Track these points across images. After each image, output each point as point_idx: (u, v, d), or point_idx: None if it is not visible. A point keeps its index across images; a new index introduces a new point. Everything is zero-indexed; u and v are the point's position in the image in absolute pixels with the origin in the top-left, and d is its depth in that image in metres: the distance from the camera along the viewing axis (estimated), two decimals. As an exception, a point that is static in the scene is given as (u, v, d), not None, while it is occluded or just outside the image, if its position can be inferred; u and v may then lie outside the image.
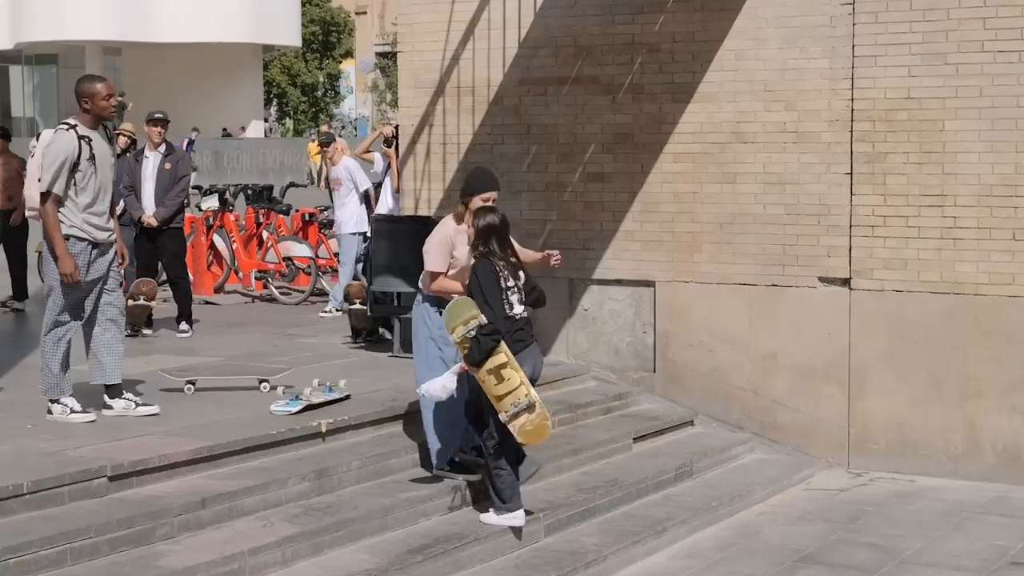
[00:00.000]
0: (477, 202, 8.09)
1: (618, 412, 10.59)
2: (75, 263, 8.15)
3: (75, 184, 8.20)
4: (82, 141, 8.22)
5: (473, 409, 7.99)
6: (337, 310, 13.71)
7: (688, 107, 10.87)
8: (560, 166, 11.43)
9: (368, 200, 14.14)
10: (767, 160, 10.60)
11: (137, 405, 8.54)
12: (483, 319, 7.71)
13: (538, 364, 8.06)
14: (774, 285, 10.61)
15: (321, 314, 13.94)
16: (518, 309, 7.90)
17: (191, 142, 40.28)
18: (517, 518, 7.91)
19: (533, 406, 7.76)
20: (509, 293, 7.88)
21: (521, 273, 7.99)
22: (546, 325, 11.51)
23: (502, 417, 7.75)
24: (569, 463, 9.27)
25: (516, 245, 8.21)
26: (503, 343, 7.73)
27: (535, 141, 11.52)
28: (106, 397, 8.44)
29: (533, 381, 7.90)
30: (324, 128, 40.99)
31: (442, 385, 7.91)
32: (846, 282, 10.35)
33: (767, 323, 10.66)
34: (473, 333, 7.70)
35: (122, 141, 14.57)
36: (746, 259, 10.68)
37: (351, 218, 14.14)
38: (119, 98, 8.36)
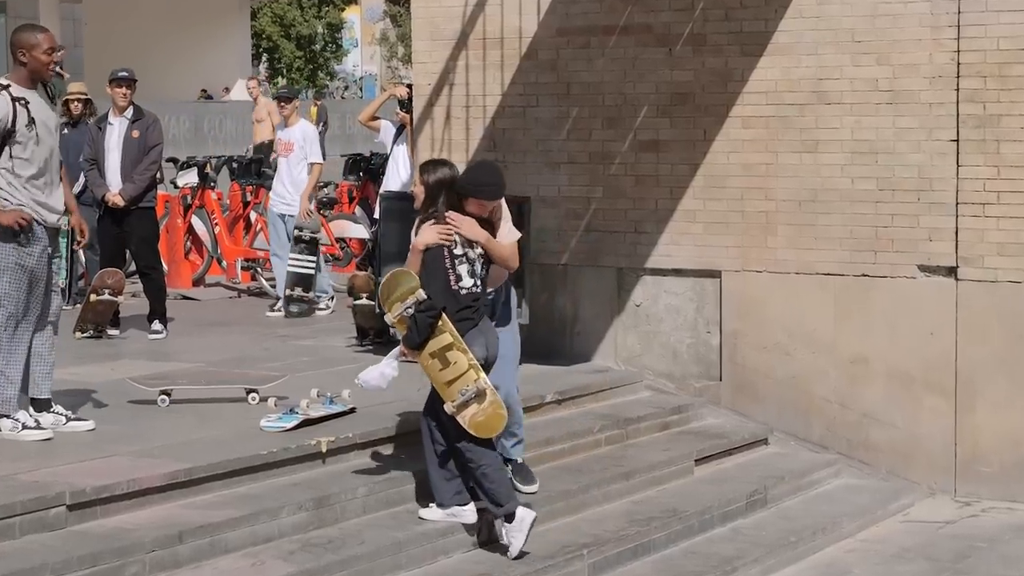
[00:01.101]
0: (472, 207, 8.02)
1: (677, 428, 10.58)
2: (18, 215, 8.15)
3: (11, 156, 8.18)
4: (17, 103, 8.20)
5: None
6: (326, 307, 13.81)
7: (760, 61, 10.83)
8: (606, 133, 11.41)
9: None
10: (855, 125, 10.55)
11: (68, 420, 8.55)
12: (421, 294, 7.76)
13: (492, 345, 8.02)
14: (864, 275, 10.57)
15: (268, 313, 14.00)
16: (467, 282, 7.92)
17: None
18: (526, 517, 7.85)
19: (483, 393, 7.79)
20: (457, 263, 7.89)
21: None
22: (591, 324, 11.50)
23: (448, 408, 7.80)
24: (618, 489, 9.25)
25: (504, 227, 8.15)
26: (448, 321, 7.77)
27: (576, 103, 11.50)
28: (31, 411, 8.46)
29: (488, 365, 7.91)
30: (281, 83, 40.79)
31: (380, 373, 7.98)
32: (952, 271, 10.30)
33: (856, 321, 10.61)
34: (411, 311, 7.75)
35: (76, 108, 14.60)
36: (831, 244, 10.64)
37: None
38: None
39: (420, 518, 8.07)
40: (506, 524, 7.88)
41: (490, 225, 8.05)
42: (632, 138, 11.31)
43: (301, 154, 14.12)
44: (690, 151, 11.11)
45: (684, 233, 11.16)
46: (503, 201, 8.24)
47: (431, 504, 8.10)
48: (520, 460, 8.59)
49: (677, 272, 11.25)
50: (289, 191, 14.09)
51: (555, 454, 9.42)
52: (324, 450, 8.46)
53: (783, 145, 10.80)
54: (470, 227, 7.91)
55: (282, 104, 14.44)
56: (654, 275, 11.33)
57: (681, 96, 11.13)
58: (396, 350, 8.06)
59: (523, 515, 7.87)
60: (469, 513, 8.06)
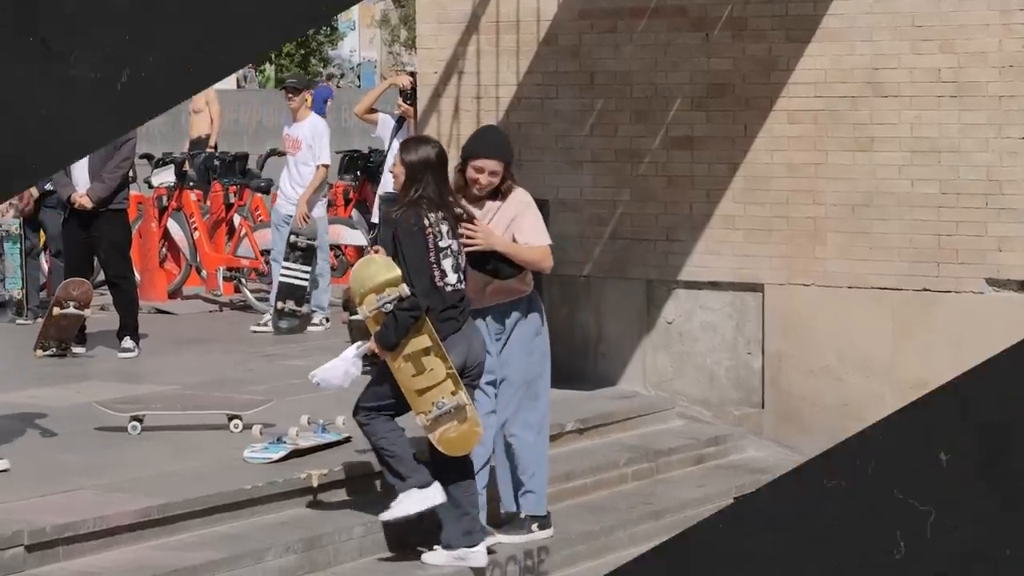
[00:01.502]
0: (470, 172, 8.08)
1: (713, 461, 10.59)
2: None
3: None
4: None
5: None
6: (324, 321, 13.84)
7: (808, 48, 10.83)
8: (635, 128, 11.40)
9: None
10: (915, 120, 10.54)
11: None
12: (404, 289, 7.73)
13: (475, 350, 7.98)
14: (926, 290, 10.55)
15: (254, 328, 14.00)
16: (452, 278, 7.90)
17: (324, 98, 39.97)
18: (434, 497, 7.79)
19: (462, 409, 7.77)
20: (442, 256, 7.86)
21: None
22: (616, 343, 11.48)
23: (419, 421, 7.78)
24: (646, 531, 9.20)
25: (537, 230, 8.14)
26: (428, 322, 7.75)
27: (601, 94, 11.49)
28: None
29: (464, 373, 7.88)
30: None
31: (345, 371, 8.02)
32: (1024, 286, 10.30)
33: (916, 341, 10.59)
34: (389, 307, 7.73)
35: None
36: (887, 254, 10.62)
37: (322, 196, 14.23)
38: None
39: (423, 562, 8.04)
40: (413, 492, 7.82)
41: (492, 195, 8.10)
42: (664, 134, 11.30)
43: (310, 153, 14.09)
44: (729, 149, 11.10)
45: (722, 241, 11.14)
46: (531, 199, 8.27)
47: (435, 546, 8.06)
48: (524, 515, 8.47)
49: (714, 285, 11.22)
50: (297, 192, 14.10)
51: (576, 490, 9.40)
52: (315, 484, 8.44)
53: (833, 143, 10.79)
54: (487, 236, 7.93)
55: (290, 96, 14.42)
56: (688, 288, 11.31)
57: (719, 87, 11.11)
58: (364, 346, 8.01)
59: (433, 493, 7.79)
60: (479, 556, 8.02)
